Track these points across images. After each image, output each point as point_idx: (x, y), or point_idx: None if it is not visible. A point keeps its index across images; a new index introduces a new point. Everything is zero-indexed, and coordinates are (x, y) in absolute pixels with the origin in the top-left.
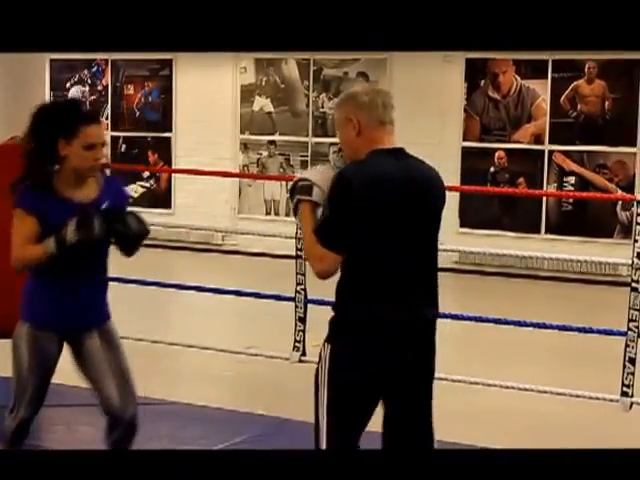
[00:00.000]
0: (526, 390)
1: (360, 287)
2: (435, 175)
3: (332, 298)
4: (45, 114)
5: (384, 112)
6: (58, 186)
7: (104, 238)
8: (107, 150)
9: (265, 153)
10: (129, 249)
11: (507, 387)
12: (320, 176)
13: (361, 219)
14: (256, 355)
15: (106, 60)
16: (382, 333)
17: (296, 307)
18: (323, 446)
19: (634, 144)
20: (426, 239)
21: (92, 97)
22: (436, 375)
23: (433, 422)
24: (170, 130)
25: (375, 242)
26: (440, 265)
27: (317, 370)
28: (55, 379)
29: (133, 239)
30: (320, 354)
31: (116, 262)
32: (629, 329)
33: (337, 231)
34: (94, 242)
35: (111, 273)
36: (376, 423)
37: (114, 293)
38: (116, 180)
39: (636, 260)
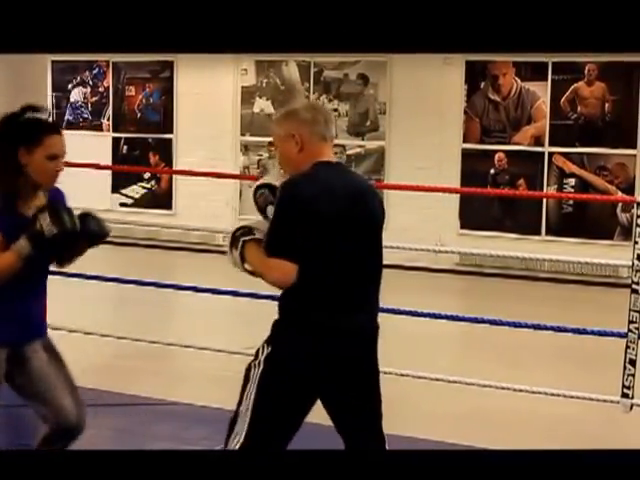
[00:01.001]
0: (526, 392)
1: (305, 294)
2: (372, 187)
3: None
4: (7, 122)
5: (326, 128)
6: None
7: (49, 247)
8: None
9: (265, 154)
10: (87, 247)
11: (507, 388)
12: (256, 225)
13: (309, 228)
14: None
15: (107, 62)
16: (323, 341)
17: None
18: (236, 438)
19: (634, 146)
20: (369, 249)
21: (93, 98)
22: (434, 376)
23: (381, 427)
24: (171, 131)
25: (321, 250)
26: (441, 266)
27: (250, 365)
28: None
29: (100, 237)
30: (258, 352)
31: (116, 263)
32: (629, 330)
33: (287, 239)
34: (68, 235)
35: (110, 274)
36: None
37: (113, 294)
38: (60, 191)
39: (636, 262)
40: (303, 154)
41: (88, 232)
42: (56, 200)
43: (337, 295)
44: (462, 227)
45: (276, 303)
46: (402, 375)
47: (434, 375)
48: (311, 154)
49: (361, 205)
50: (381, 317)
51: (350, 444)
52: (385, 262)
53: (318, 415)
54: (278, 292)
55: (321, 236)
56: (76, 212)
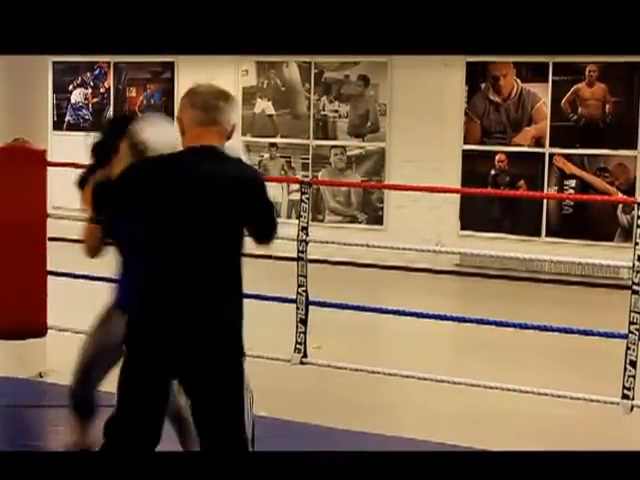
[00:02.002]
0: (527, 393)
1: (142, 288)
2: (241, 175)
3: (335, 300)
4: None
5: (203, 114)
6: None
7: None
8: None
9: (266, 155)
10: None
11: (507, 389)
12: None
13: (135, 211)
14: (257, 357)
15: (108, 63)
16: (159, 336)
17: (297, 309)
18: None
19: (635, 147)
20: (216, 239)
21: (94, 99)
22: (437, 377)
23: (238, 424)
24: None
25: (151, 239)
26: (441, 267)
27: None
28: (59, 380)
29: None
30: None
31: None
32: (630, 332)
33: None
34: None
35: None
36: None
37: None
38: None
39: (637, 263)
40: (185, 138)
41: None
42: None
43: (161, 286)
44: (462, 228)
45: (277, 305)
46: (406, 377)
47: (438, 377)
48: (190, 138)
49: (205, 192)
50: (382, 318)
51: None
52: (385, 263)
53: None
54: (279, 294)
55: (143, 221)
56: None
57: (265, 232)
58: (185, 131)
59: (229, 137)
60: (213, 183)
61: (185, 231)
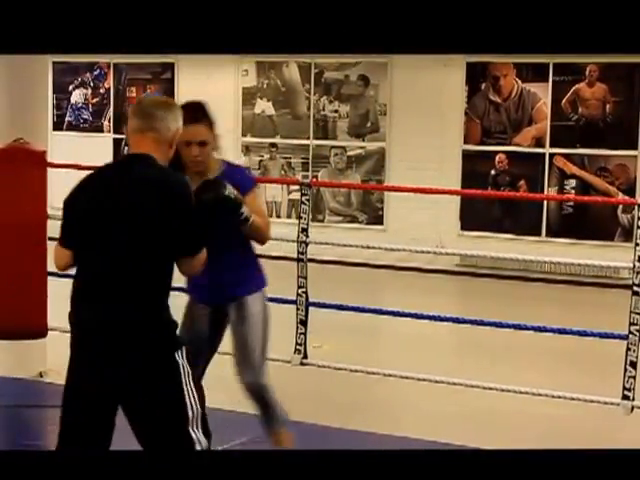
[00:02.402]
0: (526, 393)
1: (73, 289)
2: (161, 182)
3: (334, 301)
4: None
5: (140, 122)
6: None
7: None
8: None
9: (266, 156)
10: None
11: (507, 390)
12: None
13: (71, 218)
14: None
15: (108, 63)
16: (78, 335)
17: (297, 310)
18: None
19: (635, 147)
20: (132, 243)
21: (94, 100)
22: (435, 378)
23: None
24: None
25: (79, 242)
26: (441, 267)
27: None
28: (59, 380)
29: (231, 204)
30: None
31: None
32: (630, 332)
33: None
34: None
35: None
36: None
37: None
38: (238, 169)
39: (637, 263)
40: (130, 146)
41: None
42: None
43: (89, 289)
44: (462, 228)
45: (277, 306)
46: (405, 378)
47: (437, 377)
48: (130, 146)
49: (123, 199)
50: (381, 318)
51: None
52: (385, 263)
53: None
54: (278, 295)
55: (78, 227)
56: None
57: (182, 246)
58: (128, 138)
59: (171, 145)
60: (129, 189)
61: (103, 236)
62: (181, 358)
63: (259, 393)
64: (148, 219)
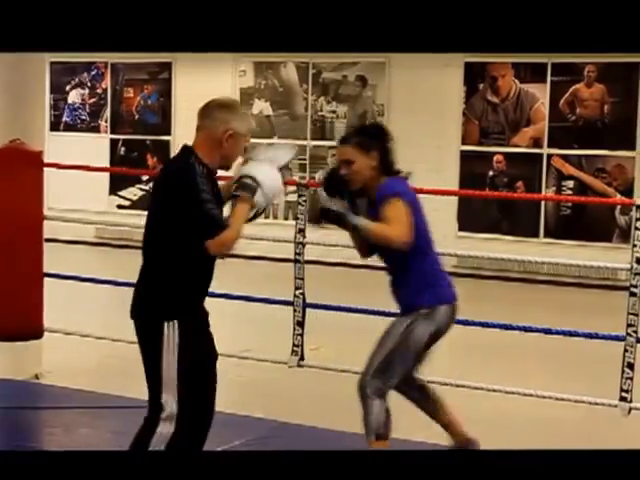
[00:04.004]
0: (524, 395)
1: None
2: (168, 170)
3: (331, 302)
4: None
5: (198, 120)
6: None
7: None
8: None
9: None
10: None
11: (505, 392)
12: (267, 178)
13: None
14: (254, 359)
15: (105, 63)
16: None
17: (294, 311)
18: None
19: (633, 148)
20: (154, 232)
21: (91, 100)
22: (437, 379)
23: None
24: (169, 133)
25: None
26: None
27: None
28: (55, 381)
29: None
30: None
31: (113, 265)
32: (628, 334)
33: None
34: None
35: (108, 277)
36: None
37: (111, 297)
38: (389, 181)
39: (635, 265)
40: None
41: None
42: None
43: None
44: (460, 229)
45: (274, 307)
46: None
47: (435, 379)
48: None
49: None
50: (380, 320)
51: None
52: (382, 264)
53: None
54: (275, 296)
55: None
56: None
57: (199, 231)
58: None
59: (220, 143)
60: (156, 176)
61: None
62: (170, 329)
63: (360, 397)
64: (157, 205)
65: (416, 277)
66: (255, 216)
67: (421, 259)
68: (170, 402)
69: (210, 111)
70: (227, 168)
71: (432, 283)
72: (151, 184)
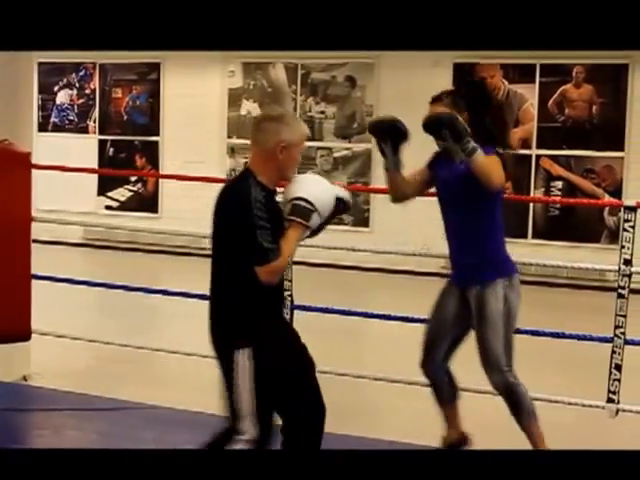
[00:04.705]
0: None
1: None
2: (225, 194)
3: (320, 303)
4: None
5: (251, 135)
6: None
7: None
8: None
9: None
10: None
11: (493, 393)
12: (320, 200)
13: None
14: None
15: (94, 64)
16: None
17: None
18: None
19: (622, 149)
20: (213, 249)
21: (80, 101)
22: (424, 381)
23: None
24: (157, 134)
25: None
26: (427, 270)
27: None
28: (43, 383)
29: (445, 122)
30: None
31: (101, 267)
32: (615, 335)
33: None
34: None
35: (95, 278)
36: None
37: (101, 299)
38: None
39: (623, 266)
40: None
41: None
42: None
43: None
44: None
45: None
46: (393, 381)
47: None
48: None
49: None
50: (368, 321)
51: None
52: (371, 265)
53: None
54: None
55: None
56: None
57: (243, 256)
58: None
59: (275, 156)
60: (217, 202)
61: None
62: (243, 357)
63: (506, 392)
64: (218, 231)
65: (494, 245)
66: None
67: (498, 220)
68: (248, 432)
69: (259, 125)
70: (287, 180)
71: (505, 250)
72: (139, 185)
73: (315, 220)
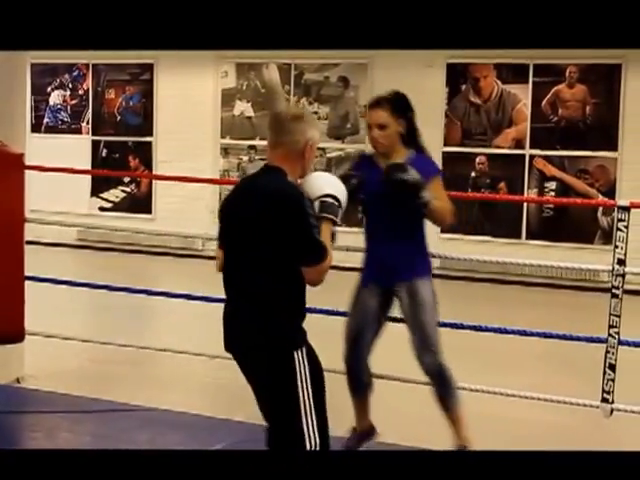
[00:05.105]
0: (507, 396)
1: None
2: (267, 189)
3: (314, 303)
4: None
5: (272, 135)
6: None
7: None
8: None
9: (245, 158)
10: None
11: (488, 392)
12: (343, 196)
13: (220, 223)
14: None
15: (87, 64)
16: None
17: None
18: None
19: (615, 149)
20: (248, 249)
21: (73, 101)
22: (416, 379)
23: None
24: (151, 134)
25: (224, 246)
26: None
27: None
28: (37, 385)
29: (409, 187)
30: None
31: (95, 268)
32: (609, 335)
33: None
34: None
35: (89, 279)
36: None
37: (99, 300)
38: (424, 157)
39: (616, 266)
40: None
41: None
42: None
43: (226, 290)
44: (442, 231)
45: None
46: (388, 379)
47: (420, 379)
48: (268, 158)
49: (243, 207)
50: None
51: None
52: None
53: None
54: None
55: (223, 231)
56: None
57: (299, 256)
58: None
59: (303, 155)
60: (255, 200)
61: (235, 242)
62: (300, 356)
63: (438, 372)
64: (265, 230)
65: (421, 246)
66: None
67: (423, 220)
68: (312, 433)
69: (286, 125)
70: (303, 178)
71: (427, 249)
72: (133, 187)
73: (341, 216)
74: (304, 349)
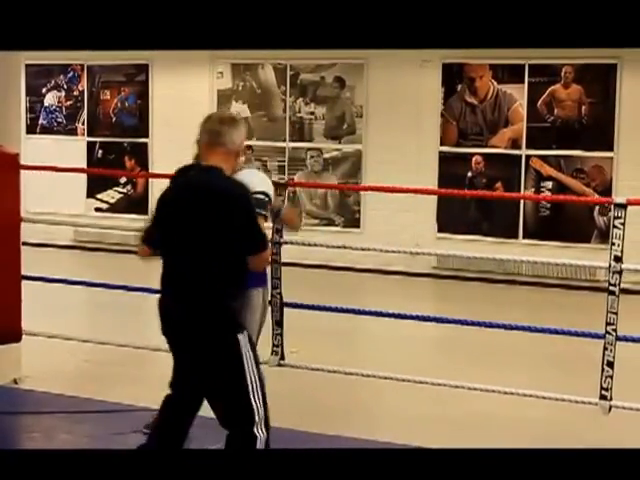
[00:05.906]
0: (506, 393)
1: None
2: (216, 188)
3: (307, 301)
4: None
5: (209, 137)
6: None
7: None
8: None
9: (242, 158)
10: None
11: (487, 390)
12: (272, 190)
13: (159, 222)
14: None
15: (82, 65)
16: (161, 317)
17: (272, 311)
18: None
19: (611, 149)
20: (198, 242)
21: (68, 102)
22: (418, 379)
23: None
24: (146, 135)
25: (163, 243)
26: (418, 270)
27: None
28: (34, 386)
29: None
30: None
31: (91, 268)
32: (607, 332)
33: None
34: None
35: (96, 280)
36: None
37: (98, 299)
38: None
39: (613, 264)
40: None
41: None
42: None
43: (169, 281)
44: (439, 231)
45: None
46: (384, 378)
47: (417, 378)
48: (202, 157)
49: (187, 202)
50: (360, 321)
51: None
52: (361, 266)
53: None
54: None
55: (162, 229)
56: None
57: (246, 247)
58: (199, 150)
59: (237, 155)
60: (199, 198)
61: (176, 237)
62: (245, 339)
63: None
64: (215, 224)
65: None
66: None
67: None
68: (259, 407)
69: (224, 128)
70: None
71: None
72: (128, 188)
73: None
74: (245, 332)
